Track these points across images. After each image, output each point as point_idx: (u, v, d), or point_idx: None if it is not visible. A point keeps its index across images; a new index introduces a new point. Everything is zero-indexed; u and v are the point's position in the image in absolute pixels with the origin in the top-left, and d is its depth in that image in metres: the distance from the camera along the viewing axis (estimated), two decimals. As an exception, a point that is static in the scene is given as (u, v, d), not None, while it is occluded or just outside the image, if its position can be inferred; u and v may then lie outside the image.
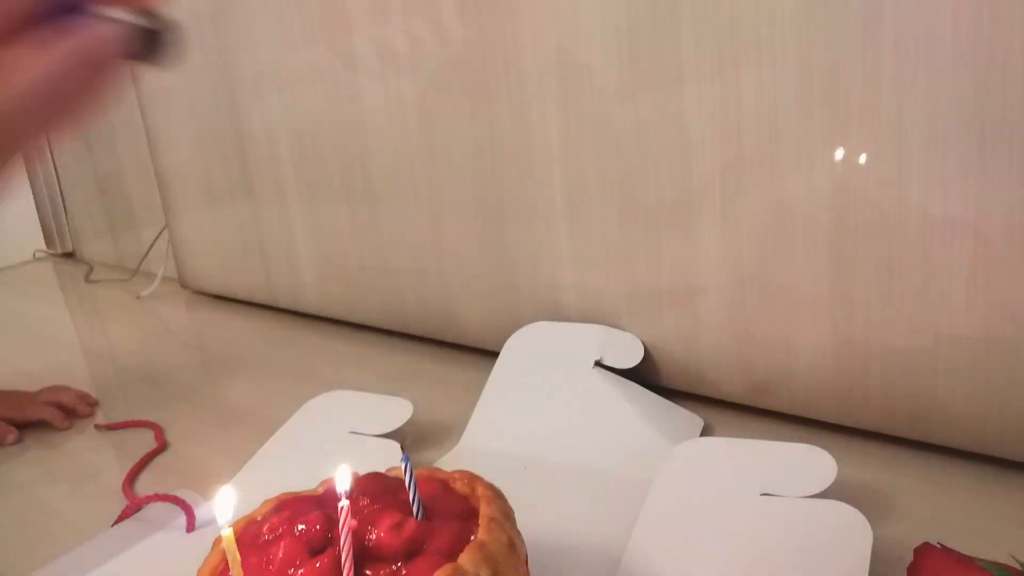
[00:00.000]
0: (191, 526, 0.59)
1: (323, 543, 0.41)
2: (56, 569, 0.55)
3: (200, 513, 0.60)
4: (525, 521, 0.43)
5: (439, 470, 0.49)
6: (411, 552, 0.40)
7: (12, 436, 0.76)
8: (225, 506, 0.39)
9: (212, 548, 0.44)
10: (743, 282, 0.65)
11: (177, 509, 0.60)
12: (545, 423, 0.66)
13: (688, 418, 0.66)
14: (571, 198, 0.73)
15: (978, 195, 0.52)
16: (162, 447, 0.73)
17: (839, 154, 0.58)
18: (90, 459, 0.73)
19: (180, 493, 0.61)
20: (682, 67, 0.62)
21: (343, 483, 0.40)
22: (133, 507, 0.60)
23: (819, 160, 0.58)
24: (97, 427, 0.79)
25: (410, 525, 0.41)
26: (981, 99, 0.50)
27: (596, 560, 0.50)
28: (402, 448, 0.55)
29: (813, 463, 0.52)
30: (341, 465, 0.41)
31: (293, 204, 1.00)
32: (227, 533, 0.39)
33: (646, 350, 0.71)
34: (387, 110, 0.84)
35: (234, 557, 0.39)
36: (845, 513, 0.47)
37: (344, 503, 0.39)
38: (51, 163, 1.53)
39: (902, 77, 0.53)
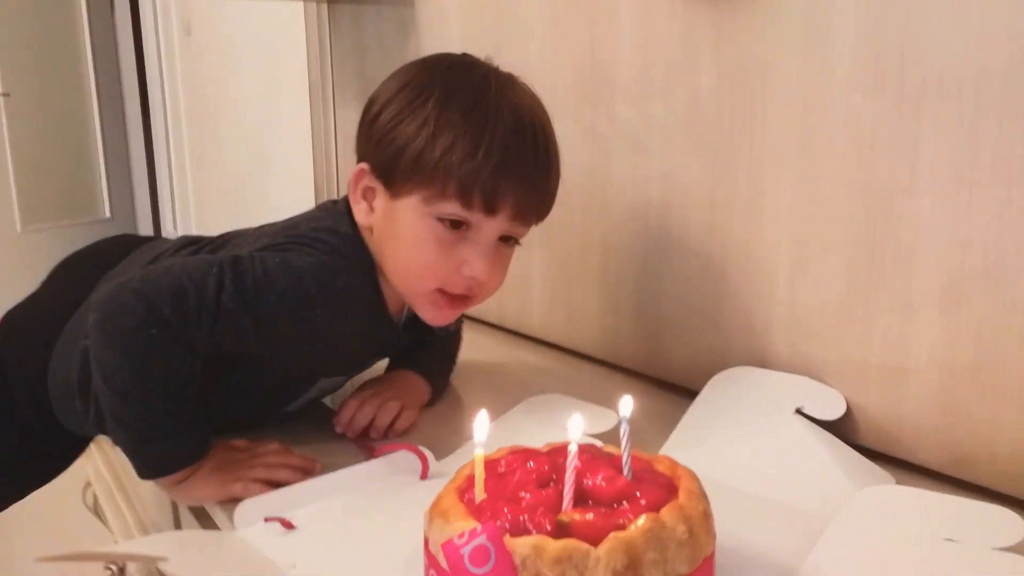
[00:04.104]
0: (425, 474, 0.71)
1: (548, 480, 0.50)
2: (319, 484, 0.68)
3: (433, 467, 0.71)
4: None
5: (643, 452, 0.57)
6: (620, 501, 0.48)
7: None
8: (481, 428, 0.49)
9: (455, 475, 0.54)
10: (954, 368, 0.68)
11: (415, 460, 0.72)
12: (737, 452, 0.71)
13: (880, 474, 0.69)
14: (796, 259, 0.79)
15: None
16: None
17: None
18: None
19: (419, 447, 0.73)
20: (920, 133, 0.67)
21: (576, 430, 0.49)
22: (383, 450, 0.73)
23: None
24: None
25: (622, 479, 0.49)
26: None
27: (773, 570, 0.55)
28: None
29: (1000, 519, 0.54)
30: (575, 414, 0.50)
31: (535, 239, 1.12)
32: (479, 452, 0.50)
33: (847, 407, 0.74)
34: (632, 166, 0.95)
35: (480, 473, 0.49)
36: (1028, 568, 0.49)
37: (574, 446, 0.48)
38: (332, 121, 1.71)
39: None
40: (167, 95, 2.71)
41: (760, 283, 0.83)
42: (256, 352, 0.74)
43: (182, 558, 0.52)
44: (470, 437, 0.78)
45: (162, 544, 0.56)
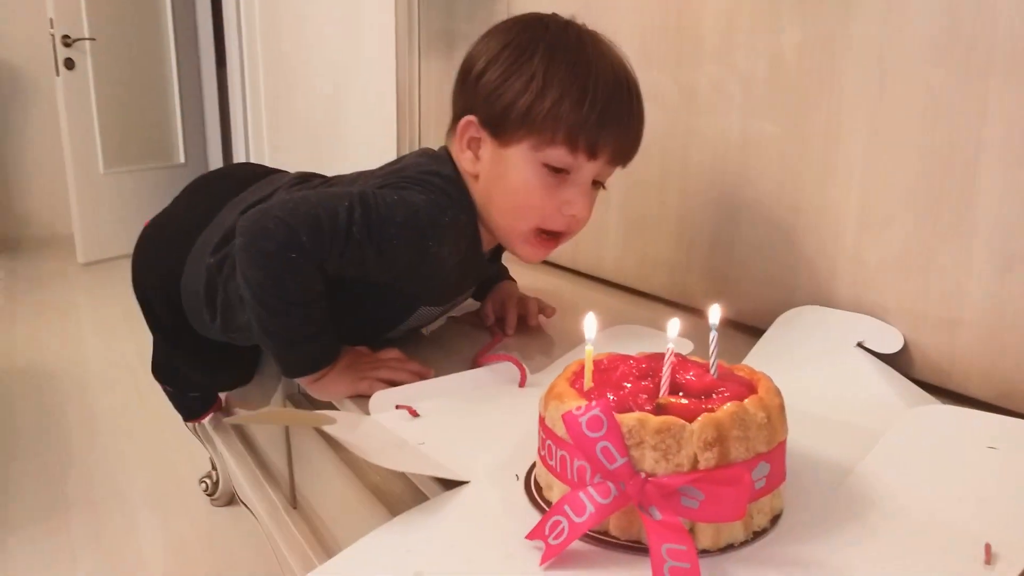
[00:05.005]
0: (523, 383, 0.80)
1: (646, 375, 0.59)
2: (436, 384, 0.79)
3: (529, 378, 0.81)
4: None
5: (723, 362, 0.65)
6: (707, 395, 0.57)
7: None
8: (591, 326, 0.59)
9: (564, 370, 0.63)
10: (1004, 321, 0.75)
11: (514, 371, 0.81)
12: (801, 376, 0.79)
13: (931, 400, 0.77)
14: (862, 214, 0.86)
15: None
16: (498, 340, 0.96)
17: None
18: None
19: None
20: (987, 103, 0.74)
21: (674, 328, 0.58)
22: (486, 360, 0.83)
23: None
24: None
25: (709, 376, 0.58)
26: None
27: (832, 467, 0.64)
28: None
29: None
30: (673, 318, 0.59)
31: (613, 190, 1.20)
32: (589, 348, 0.59)
33: (905, 343, 0.82)
34: (714, 120, 1.02)
35: (589, 365, 0.59)
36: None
37: (671, 345, 0.57)
38: (417, 72, 1.79)
39: None
40: (244, 43, 2.81)
41: (828, 233, 0.90)
42: (372, 278, 0.84)
43: (340, 426, 0.63)
44: (556, 358, 0.88)
45: (321, 415, 0.67)
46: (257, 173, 1.04)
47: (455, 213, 0.83)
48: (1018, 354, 0.74)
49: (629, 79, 0.82)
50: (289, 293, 0.78)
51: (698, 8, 1.02)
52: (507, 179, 0.82)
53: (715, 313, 0.59)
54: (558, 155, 0.79)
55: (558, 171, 0.80)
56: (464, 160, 0.85)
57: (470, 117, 0.83)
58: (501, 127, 0.81)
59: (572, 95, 0.77)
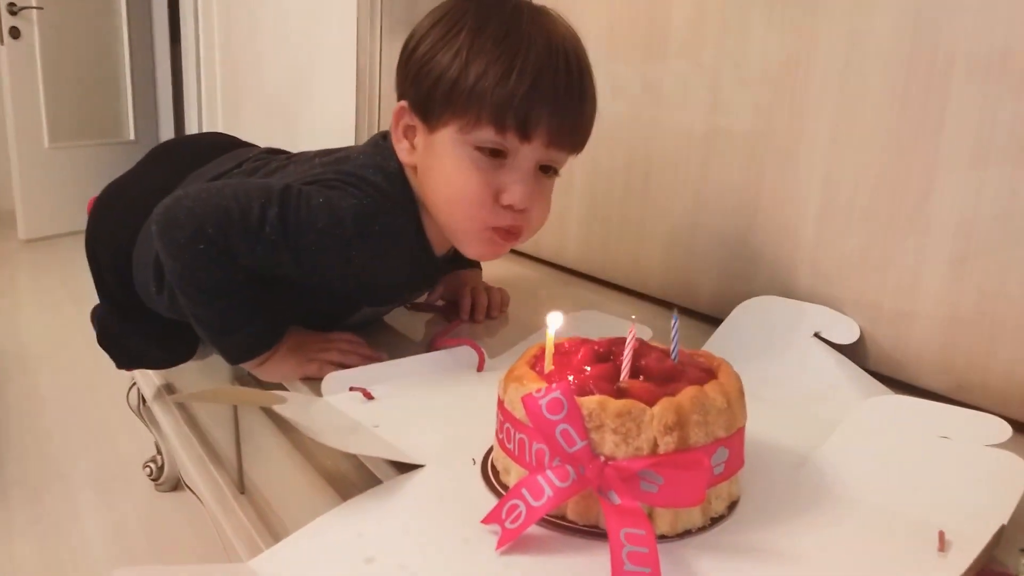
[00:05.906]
0: (481, 367, 0.79)
1: (607, 358, 0.59)
2: (392, 367, 0.77)
3: (487, 362, 0.80)
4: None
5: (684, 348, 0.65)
6: (667, 379, 0.57)
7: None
8: (554, 319, 0.57)
9: (524, 353, 0.62)
10: (958, 314, 0.76)
11: (472, 355, 0.80)
12: (759, 366, 0.80)
13: (885, 391, 0.77)
14: (825, 195, 0.86)
15: None
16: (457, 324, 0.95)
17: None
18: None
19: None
20: (946, 104, 0.74)
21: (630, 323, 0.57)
22: (444, 344, 0.81)
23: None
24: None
25: (670, 361, 0.58)
26: None
27: (789, 455, 0.64)
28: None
29: (989, 423, 0.62)
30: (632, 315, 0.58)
31: (577, 179, 1.20)
32: (551, 332, 0.58)
33: (860, 334, 0.83)
34: (680, 112, 1.01)
35: (550, 348, 0.58)
36: (1010, 460, 0.58)
37: (632, 327, 0.56)
38: (379, 54, 1.75)
39: None
40: (200, 19, 2.73)
41: (789, 227, 0.90)
42: (298, 279, 0.78)
43: (291, 406, 0.61)
44: (515, 343, 0.87)
45: (271, 395, 0.64)
46: (224, 144, 1.00)
47: (389, 219, 0.76)
48: (970, 347, 0.76)
49: (569, 51, 0.72)
50: (204, 285, 0.74)
51: (667, 2, 1.01)
52: (440, 168, 0.74)
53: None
54: (486, 136, 0.70)
55: (495, 155, 0.72)
56: (401, 151, 0.78)
57: (403, 102, 0.76)
58: (428, 110, 0.73)
59: (497, 68, 0.69)
